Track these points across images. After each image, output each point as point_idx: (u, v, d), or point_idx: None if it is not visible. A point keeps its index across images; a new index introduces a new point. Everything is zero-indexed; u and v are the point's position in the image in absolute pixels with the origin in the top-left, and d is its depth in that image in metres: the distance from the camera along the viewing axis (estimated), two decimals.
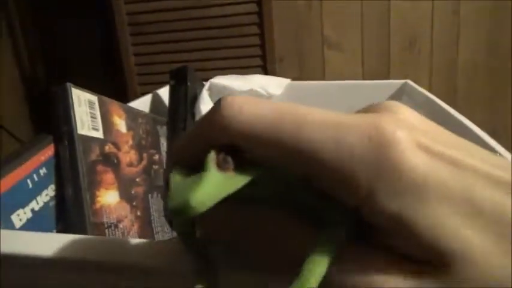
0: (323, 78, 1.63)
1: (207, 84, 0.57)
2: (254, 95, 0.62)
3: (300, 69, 1.63)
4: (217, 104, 0.14)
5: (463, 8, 1.47)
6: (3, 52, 1.48)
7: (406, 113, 0.15)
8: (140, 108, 0.60)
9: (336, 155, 0.13)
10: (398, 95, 0.64)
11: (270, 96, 0.64)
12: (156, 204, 0.46)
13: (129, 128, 0.44)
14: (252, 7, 1.44)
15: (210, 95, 0.56)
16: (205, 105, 0.54)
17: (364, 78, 1.59)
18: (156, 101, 0.63)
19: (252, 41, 1.47)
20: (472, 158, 0.13)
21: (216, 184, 0.13)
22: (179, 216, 0.13)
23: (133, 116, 0.46)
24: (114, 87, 1.53)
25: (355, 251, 0.14)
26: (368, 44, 1.56)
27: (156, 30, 1.49)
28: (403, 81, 0.64)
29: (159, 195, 0.47)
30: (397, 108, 0.15)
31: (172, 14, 1.47)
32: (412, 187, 0.12)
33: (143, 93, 1.45)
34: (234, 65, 1.47)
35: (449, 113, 0.45)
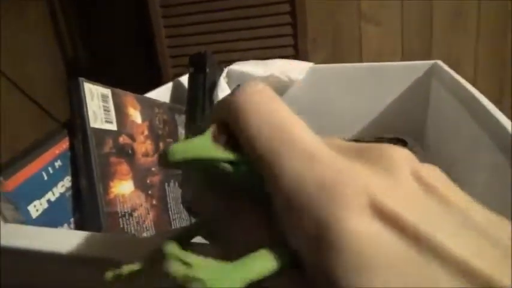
0: (360, 57, 1.57)
1: (224, 72, 0.56)
2: (275, 81, 0.61)
3: (334, 47, 1.58)
4: (237, 87, 0.15)
5: None
6: (46, 36, 1.55)
7: (404, 178, 0.13)
8: (162, 96, 0.61)
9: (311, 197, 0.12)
10: (427, 78, 0.61)
11: (291, 82, 0.63)
12: (173, 192, 0.47)
13: (144, 119, 0.45)
14: None
15: (228, 82, 0.56)
16: (223, 92, 0.54)
17: (403, 56, 1.51)
18: (178, 89, 0.64)
19: (284, 20, 1.43)
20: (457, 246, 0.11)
21: (198, 145, 0.14)
22: (159, 161, 0.14)
23: (149, 107, 0.47)
24: (150, 70, 1.57)
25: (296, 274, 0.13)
26: (408, 18, 1.48)
27: (187, 11, 1.49)
28: (432, 61, 0.60)
29: (177, 183, 0.48)
30: (396, 169, 0.13)
31: None
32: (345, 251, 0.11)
33: (176, 75, 1.48)
34: (266, 45, 1.45)
35: (476, 99, 0.42)
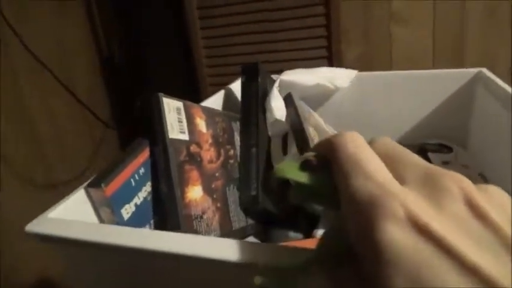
0: (390, 54, 1.57)
1: (277, 81, 0.60)
2: (321, 89, 0.64)
3: (366, 44, 1.58)
4: (338, 133, 0.21)
5: None
6: (85, 37, 1.62)
7: (453, 204, 0.16)
8: (215, 103, 0.65)
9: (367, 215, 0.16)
10: (471, 85, 0.62)
11: (337, 89, 0.65)
12: (232, 195, 0.51)
13: (208, 128, 0.49)
14: None
15: (280, 91, 0.59)
16: (275, 100, 0.57)
17: (434, 55, 1.51)
18: (228, 95, 0.67)
19: (318, 22, 1.45)
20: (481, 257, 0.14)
21: (287, 169, 0.21)
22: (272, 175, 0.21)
23: (211, 116, 0.51)
24: (187, 77, 1.62)
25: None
26: (440, 15, 1.47)
27: (223, 13, 1.53)
28: (477, 69, 0.62)
29: (235, 187, 0.52)
30: (446, 196, 0.16)
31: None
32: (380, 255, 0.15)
33: (212, 84, 1.51)
34: (300, 47, 1.48)
35: None
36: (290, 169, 0.21)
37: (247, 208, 0.52)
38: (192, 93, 1.58)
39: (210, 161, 0.48)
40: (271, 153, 0.57)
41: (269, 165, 0.55)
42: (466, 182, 0.16)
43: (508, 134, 0.49)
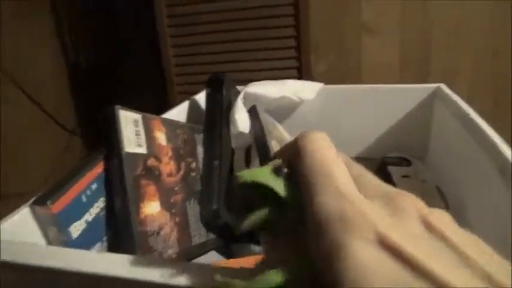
0: (359, 64, 1.61)
1: (241, 93, 0.59)
2: (286, 101, 0.64)
3: (336, 55, 1.61)
4: (303, 135, 0.20)
5: None
6: (51, 41, 1.56)
7: (411, 221, 0.17)
8: (179, 114, 0.64)
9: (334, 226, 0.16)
10: (431, 100, 0.64)
11: (302, 101, 0.66)
12: (192, 209, 0.50)
13: (168, 140, 0.48)
14: None
15: (245, 103, 0.59)
16: (239, 113, 0.57)
17: (401, 65, 1.55)
18: (194, 106, 0.67)
19: (288, 32, 1.47)
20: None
21: (260, 173, 0.19)
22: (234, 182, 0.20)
23: (172, 128, 0.50)
24: (157, 85, 1.59)
25: None
26: (407, 28, 1.52)
27: (194, 22, 1.52)
28: (435, 85, 0.64)
29: (196, 201, 0.51)
30: (406, 215, 0.17)
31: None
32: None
33: (182, 93, 1.49)
34: (268, 57, 1.48)
35: (476, 124, 0.45)
36: (261, 173, 0.19)
37: (208, 222, 0.51)
38: (161, 101, 1.55)
39: (170, 175, 0.47)
40: (234, 166, 0.57)
41: (232, 180, 0.54)
42: (420, 204, 0.18)
43: (468, 151, 0.50)
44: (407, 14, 1.50)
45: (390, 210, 0.17)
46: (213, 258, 0.52)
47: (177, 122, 0.52)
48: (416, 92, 0.65)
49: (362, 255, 0.15)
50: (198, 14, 1.49)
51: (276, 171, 0.20)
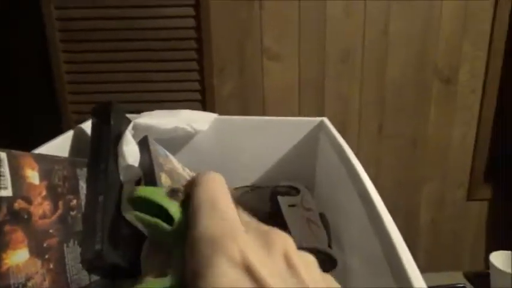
0: (262, 88, 1.67)
1: (130, 125, 0.57)
2: (180, 131, 0.64)
3: (240, 78, 1.66)
4: (202, 172, 0.23)
5: (392, 27, 1.58)
6: None
7: (275, 255, 0.19)
8: (61, 145, 0.59)
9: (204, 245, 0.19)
10: (316, 132, 0.69)
11: (196, 132, 0.66)
12: (72, 252, 0.46)
13: (42, 179, 0.44)
14: (190, 22, 1.44)
15: (134, 135, 0.57)
16: (128, 146, 0.55)
17: (300, 88, 1.65)
18: (79, 136, 0.62)
19: (190, 56, 1.47)
20: None
21: (156, 191, 0.22)
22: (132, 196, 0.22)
23: (48, 164, 0.46)
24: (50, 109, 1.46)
25: None
26: (305, 55, 1.63)
27: (89, 38, 1.44)
28: (320, 118, 0.69)
29: (76, 242, 0.47)
30: (272, 249, 0.19)
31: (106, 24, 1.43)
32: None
33: (76, 112, 1.39)
34: (172, 79, 1.47)
35: (349, 159, 0.50)
36: (158, 192, 0.21)
37: (91, 264, 0.48)
38: (55, 126, 1.43)
39: (43, 217, 0.43)
40: (121, 201, 0.54)
41: (118, 215, 0.52)
42: (290, 243, 0.20)
43: (341, 179, 0.55)
44: (304, 39, 1.61)
45: (261, 242, 0.19)
46: None
47: (55, 156, 0.48)
48: (304, 124, 0.70)
49: (226, 275, 0.17)
50: (94, 30, 1.41)
51: (171, 194, 0.22)
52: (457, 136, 1.74)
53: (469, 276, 1.36)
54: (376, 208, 0.37)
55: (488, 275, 1.25)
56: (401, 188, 1.75)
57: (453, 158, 1.76)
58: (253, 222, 0.22)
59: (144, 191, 0.21)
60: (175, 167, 0.60)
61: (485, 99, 1.68)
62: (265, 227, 0.21)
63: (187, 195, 0.22)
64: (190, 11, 1.43)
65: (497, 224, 1.85)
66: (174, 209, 0.21)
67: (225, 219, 0.19)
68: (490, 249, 1.35)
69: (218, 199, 0.21)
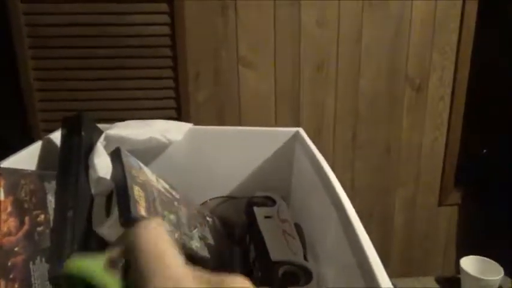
0: (238, 96, 1.66)
1: (101, 136, 0.56)
2: (154, 142, 0.63)
3: (215, 86, 1.64)
4: (138, 225, 0.22)
5: (365, 37, 1.62)
6: None
7: None
8: (28, 157, 0.57)
9: None
10: (292, 143, 0.69)
11: (170, 142, 0.65)
12: (38, 269, 0.44)
13: (8, 194, 0.42)
14: (165, 29, 1.43)
15: (106, 146, 0.55)
16: (99, 158, 0.53)
17: (276, 97, 1.65)
18: (48, 147, 0.60)
19: (165, 63, 1.45)
20: None
21: (92, 267, 0.20)
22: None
23: (13, 180, 0.44)
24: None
25: None
26: (280, 64, 1.64)
27: (61, 45, 1.40)
28: (295, 129, 0.70)
29: (44, 259, 0.46)
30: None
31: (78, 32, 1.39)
32: None
33: (45, 120, 1.34)
34: (147, 86, 1.45)
35: (323, 170, 0.50)
36: (92, 268, 0.20)
37: (59, 282, 0.46)
38: (23, 135, 1.38)
39: (8, 234, 0.41)
40: (92, 215, 0.52)
41: (89, 230, 0.50)
42: (247, 285, 0.21)
43: (316, 189, 0.55)
44: (279, 49, 1.62)
45: None
46: None
47: (21, 170, 0.46)
48: (279, 134, 0.70)
49: None
50: (65, 37, 1.38)
51: (112, 264, 0.21)
52: (428, 142, 1.79)
53: (440, 281, 1.39)
54: (349, 218, 0.37)
55: (459, 280, 1.29)
56: (376, 193, 1.78)
57: (425, 163, 1.81)
58: (205, 274, 0.22)
59: (80, 266, 0.20)
60: (149, 179, 0.58)
61: (453, 105, 1.74)
62: (222, 277, 0.21)
63: (127, 262, 0.22)
64: (165, 18, 1.42)
65: (467, 229, 1.90)
66: (112, 283, 0.20)
67: (179, 279, 0.20)
68: (460, 254, 1.39)
69: (165, 258, 0.21)
